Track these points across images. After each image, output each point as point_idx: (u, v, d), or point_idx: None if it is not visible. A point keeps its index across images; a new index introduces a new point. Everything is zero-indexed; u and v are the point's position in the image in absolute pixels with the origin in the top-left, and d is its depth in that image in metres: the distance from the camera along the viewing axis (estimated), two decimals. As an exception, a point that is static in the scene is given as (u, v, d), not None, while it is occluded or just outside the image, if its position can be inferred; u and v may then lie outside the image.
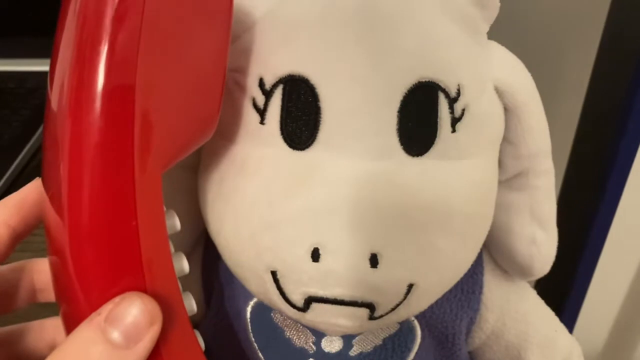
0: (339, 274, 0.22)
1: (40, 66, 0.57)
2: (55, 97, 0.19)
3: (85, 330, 0.17)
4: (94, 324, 0.17)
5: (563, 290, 0.48)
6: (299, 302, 0.23)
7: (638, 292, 0.66)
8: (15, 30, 0.60)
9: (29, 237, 0.23)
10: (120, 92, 0.18)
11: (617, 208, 0.45)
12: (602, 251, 0.47)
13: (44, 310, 0.24)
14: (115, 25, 0.18)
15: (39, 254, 0.21)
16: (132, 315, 0.17)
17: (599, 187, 0.44)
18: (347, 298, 0.22)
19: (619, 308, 0.68)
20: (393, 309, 0.23)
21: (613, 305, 0.68)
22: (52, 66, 0.19)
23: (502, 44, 0.26)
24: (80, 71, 0.18)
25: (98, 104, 0.18)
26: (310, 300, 0.22)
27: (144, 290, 0.18)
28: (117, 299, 0.18)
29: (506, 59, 0.25)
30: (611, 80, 0.42)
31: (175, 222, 0.22)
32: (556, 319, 0.32)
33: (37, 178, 0.22)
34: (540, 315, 0.31)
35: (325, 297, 0.22)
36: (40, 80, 0.56)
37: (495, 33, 0.26)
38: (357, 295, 0.22)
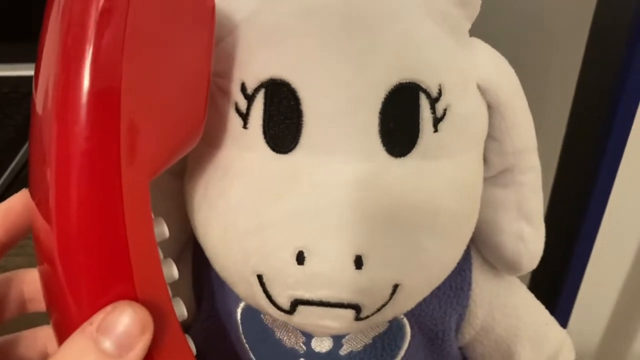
0: (324, 276, 0.22)
1: (33, 71, 0.57)
2: (40, 103, 0.19)
3: (78, 340, 0.18)
4: (86, 333, 0.17)
5: (556, 285, 0.48)
6: (286, 305, 0.23)
7: (631, 286, 0.67)
8: (8, 35, 0.60)
9: (24, 241, 0.23)
10: (105, 98, 0.18)
11: (607, 203, 0.45)
12: (594, 246, 0.47)
13: (35, 320, 0.24)
14: (99, 30, 0.18)
15: (33, 258, 0.21)
16: (124, 324, 0.18)
17: (590, 181, 0.44)
18: (332, 300, 0.22)
19: (613, 303, 0.69)
20: (379, 310, 0.23)
21: (607, 299, 0.68)
22: (37, 72, 0.19)
23: (489, 42, 0.26)
24: (65, 78, 0.18)
25: (83, 111, 0.18)
26: (296, 303, 0.23)
27: (134, 298, 0.19)
28: (108, 308, 0.18)
29: (489, 56, 0.25)
30: (599, 76, 0.42)
31: (163, 230, 0.22)
32: (546, 313, 0.32)
33: (24, 189, 0.22)
34: (530, 309, 0.32)
35: (311, 299, 0.22)
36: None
37: (482, 31, 0.26)
38: (343, 297, 0.22)
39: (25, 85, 0.56)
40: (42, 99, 0.19)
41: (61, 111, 0.18)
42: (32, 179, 0.20)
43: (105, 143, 0.18)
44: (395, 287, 0.23)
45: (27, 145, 0.48)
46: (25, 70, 0.58)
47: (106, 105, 0.18)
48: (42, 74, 0.19)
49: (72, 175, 0.18)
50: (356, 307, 0.23)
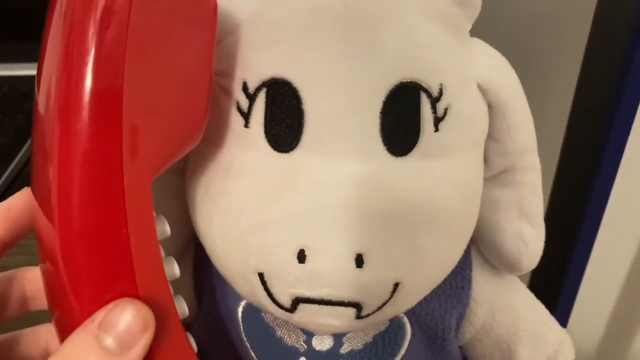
0: (325, 274, 0.22)
1: (34, 71, 0.57)
2: (43, 103, 0.19)
3: (79, 338, 0.18)
4: (88, 331, 0.18)
5: (556, 285, 0.48)
6: (287, 303, 0.23)
7: (631, 286, 0.67)
8: (9, 34, 0.60)
9: (24, 241, 0.23)
10: (107, 98, 0.18)
11: (607, 203, 0.45)
12: (593, 246, 0.47)
13: (36, 318, 0.24)
14: (102, 29, 0.18)
15: (34, 257, 0.21)
16: (125, 321, 0.18)
17: (590, 181, 0.44)
18: (333, 298, 0.22)
19: (613, 302, 0.69)
20: (380, 308, 0.23)
21: (606, 299, 0.68)
22: (39, 72, 0.19)
23: (490, 42, 0.26)
24: (68, 78, 0.18)
25: (86, 109, 0.18)
26: (297, 301, 0.23)
27: (136, 295, 0.19)
28: (110, 306, 0.18)
29: (489, 56, 0.25)
30: (600, 78, 0.42)
31: (165, 228, 0.22)
32: (546, 312, 0.32)
33: (26, 187, 0.22)
34: (530, 308, 0.32)
35: (312, 297, 0.22)
36: (34, 85, 0.56)
37: (483, 31, 0.26)
38: (344, 295, 0.22)
39: (26, 85, 0.56)
40: (44, 98, 0.19)
41: (64, 110, 0.18)
42: (35, 177, 0.20)
43: (108, 141, 0.18)
44: (396, 285, 0.23)
45: (28, 144, 0.48)
46: (26, 70, 0.58)
47: (108, 104, 0.18)
48: (44, 73, 0.19)
49: (74, 173, 0.18)
50: (357, 306, 0.23)
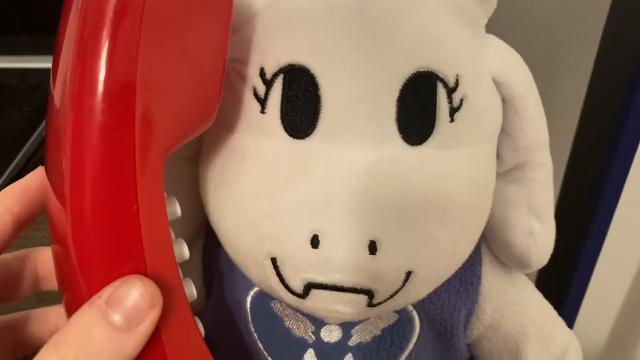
0: (338, 260, 0.22)
1: (42, 63, 0.57)
2: (59, 84, 0.19)
3: (87, 313, 0.18)
4: (95, 306, 0.17)
5: (563, 284, 0.48)
6: (299, 288, 0.23)
7: (638, 288, 0.66)
8: (17, 27, 0.61)
9: (30, 232, 0.23)
10: (121, 83, 0.18)
11: (617, 203, 0.45)
12: (602, 246, 0.47)
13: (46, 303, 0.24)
14: (116, 18, 0.18)
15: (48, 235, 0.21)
16: (133, 297, 0.17)
17: (600, 181, 0.44)
18: (346, 284, 0.22)
19: (620, 303, 0.68)
20: (391, 296, 0.23)
21: (614, 300, 0.68)
22: (56, 59, 0.19)
23: (503, 39, 0.26)
24: (83, 60, 0.18)
25: (100, 91, 0.18)
26: (309, 287, 0.23)
27: (144, 274, 0.19)
28: (117, 282, 0.18)
29: (504, 51, 0.26)
30: (612, 76, 0.42)
31: (175, 208, 0.22)
32: (554, 312, 0.32)
33: (40, 167, 0.22)
34: (538, 308, 0.32)
35: (324, 283, 0.22)
36: (42, 77, 0.56)
37: (496, 29, 0.26)
38: (356, 282, 0.22)
39: (34, 77, 0.57)
40: (61, 81, 0.19)
41: (78, 92, 0.18)
42: (48, 157, 0.20)
43: (120, 122, 0.18)
44: (409, 274, 0.23)
45: (36, 135, 0.48)
46: (33, 63, 0.58)
47: (122, 88, 0.18)
48: (61, 61, 0.19)
49: (86, 152, 0.18)
50: (369, 293, 0.23)
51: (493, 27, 0.26)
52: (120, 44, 0.18)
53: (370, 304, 0.23)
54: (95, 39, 0.18)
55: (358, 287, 0.22)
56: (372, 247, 0.22)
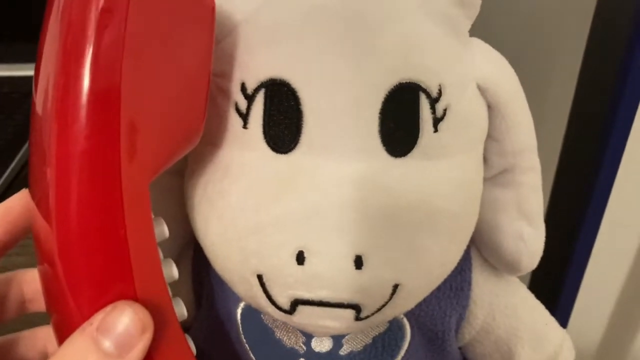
0: (324, 276, 0.22)
1: (33, 71, 0.57)
2: (40, 104, 0.19)
3: (78, 341, 0.18)
4: (86, 334, 0.18)
5: (556, 285, 0.48)
6: (286, 304, 0.23)
7: (631, 286, 0.67)
8: (9, 35, 0.60)
9: (26, 241, 0.23)
10: (105, 98, 0.18)
11: (607, 203, 0.45)
12: (593, 247, 0.47)
13: (35, 320, 0.24)
14: (99, 30, 0.18)
15: (34, 257, 0.21)
16: (124, 324, 0.18)
17: (590, 181, 0.44)
18: (332, 300, 0.22)
19: (613, 303, 0.69)
20: (379, 310, 0.23)
21: (607, 300, 0.68)
22: (37, 72, 0.19)
23: (489, 42, 0.26)
24: (65, 78, 0.18)
25: (83, 110, 0.18)
26: (296, 303, 0.23)
27: (134, 298, 0.19)
28: (108, 308, 0.18)
29: (489, 56, 0.25)
30: (600, 77, 0.42)
31: (163, 229, 0.22)
32: (546, 313, 0.32)
33: (24, 189, 0.22)
34: (529, 309, 0.32)
35: (311, 299, 0.22)
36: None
37: (482, 31, 0.26)
38: (343, 297, 0.22)
39: (25, 85, 0.56)
40: (42, 99, 0.19)
41: (61, 111, 0.18)
42: (32, 179, 0.20)
43: (106, 143, 0.18)
44: (396, 287, 0.23)
45: (27, 145, 0.48)
46: (25, 70, 0.58)
47: (106, 105, 0.18)
48: (42, 74, 0.19)
49: (72, 175, 0.18)
50: (356, 307, 0.23)
51: (478, 29, 0.25)
52: (104, 55, 0.18)
53: (357, 318, 0.23)
54: (78, 49, 0.18)
55: (345, 302, 0.22)
56: (358, 262, 0.22)
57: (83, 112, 0.18)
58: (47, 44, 0.19)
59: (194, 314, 0.31)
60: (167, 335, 0.20)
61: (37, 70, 0.19)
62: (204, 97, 0.22)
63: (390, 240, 0.22)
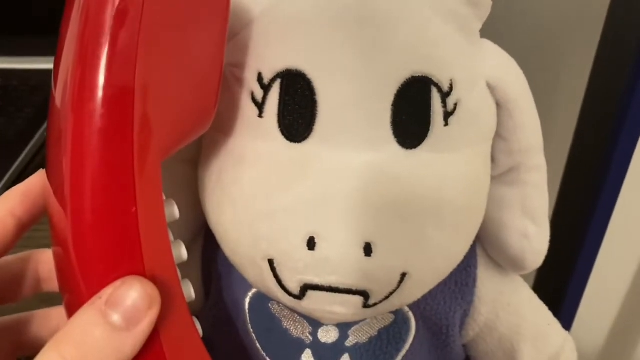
0: (333, 262, 0.22)
1: (43, 64, 0.58)
2: (60, 88, 0.19)
3: (86, 313, 0.18)
4: (95, 307, 0.18)
5: (561, 286, 0.48)
6: (295, 289, 0.23)
7: (636, 288, 0.67)
8: (18, 28, 0.61)
9: (32, 233, 0.23)
10: (120, 86, 0.18)
11: (615, 205, 0.45)
12: (600, 248, 0.48)
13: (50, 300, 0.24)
14: (116, 25, 0.18)
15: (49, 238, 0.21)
16: (132, 298, 0.18)
17: (598, 182, 0.44)
18: (341, 285, 0.23)
19: (618, 305, 0.68)
20: (387, 297, 0.24)
21: (612, 301, 0.68)
22: (57, 63, 0.20)
23: (499, 43, 0.26)
24: (83, 64, 0.18)
25: (99, 97, 0.18)
26: (306, 288, 0.23)
27: (143, 275, 0.19)
28: (117, 283, 0.18)
29: (498, 56, 0.26)
30: (610, 78, 0.42)
31: (174, 210, 0.22)
32: (549, 313, 0.33)
33: (42, 169, 0.22)
34: (533, 308, 0.32)
35: (320, 284, 0.23)
36: (43, 79, 0.56)
37: (492, 32, 0.26)
38: (352, 283, 0.23)
39: (34, 78, 0.57)
40: (61, 85, 0.19)
41: (78, 95, 0.18)
42: (50, 164, 0.20)
43: (119, 125, 0.19)
44: (403, 275, 0.23)
45: (37, 136, 0.49)
46: (34, 64, 0.58)
47: (120, 92, 0.18)
48: (62, 66, 0.19)
49: (86, 156, 0.18)
50: (364, 294, 0.23)
51: (488, 31, 0.26)
52: (119, 48, 0.18)
53: (365, 305, 0.23)
54: (95, 43, 0.18)
55: (354, 288, 0.23)
56: (368, 249, 0.22)
57: (99, 96, 0.18)
58: (68, 36, 0.19)
59: (203, 304, 0.31)
60: (174, 313, 0.20)
61: (57, 60, 0.20)
62: (216, 85, 0.22)
63: (398, 229, 0.23)
